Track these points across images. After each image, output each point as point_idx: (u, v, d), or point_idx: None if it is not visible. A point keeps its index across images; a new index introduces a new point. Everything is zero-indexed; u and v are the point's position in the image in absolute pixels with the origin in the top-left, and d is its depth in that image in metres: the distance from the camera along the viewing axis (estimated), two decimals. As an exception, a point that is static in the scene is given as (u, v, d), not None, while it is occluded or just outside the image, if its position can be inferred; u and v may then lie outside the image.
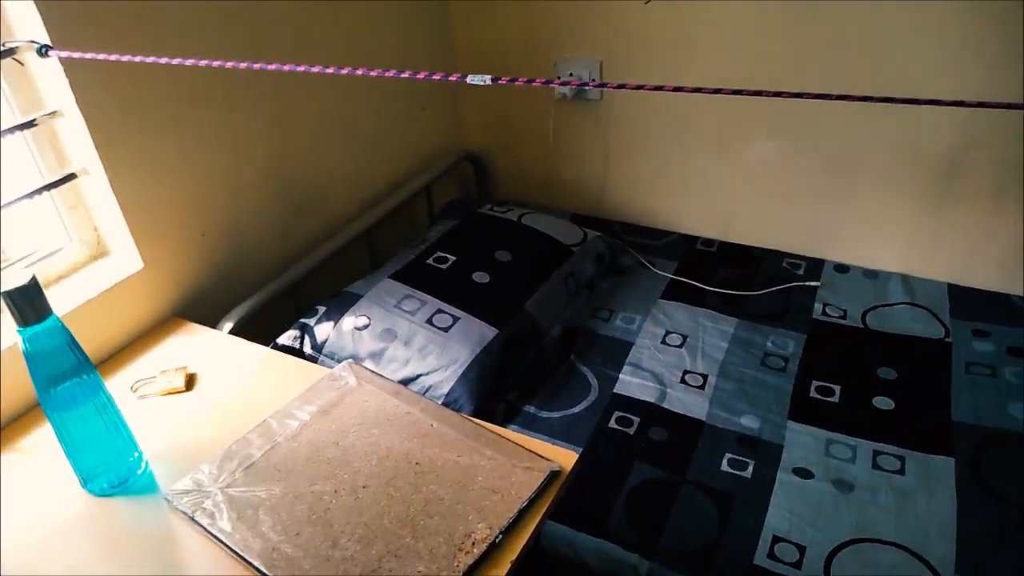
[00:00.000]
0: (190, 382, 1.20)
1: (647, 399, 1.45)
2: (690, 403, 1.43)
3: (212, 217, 1.41)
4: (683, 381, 1.49)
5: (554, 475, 0.97)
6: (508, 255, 1.65)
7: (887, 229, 1.73)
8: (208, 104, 1.35)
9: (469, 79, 0.89)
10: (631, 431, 1.38)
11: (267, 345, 1.43)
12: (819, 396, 1.43)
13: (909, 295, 1.67)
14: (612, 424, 1.39)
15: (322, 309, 1.49)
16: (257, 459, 1.01)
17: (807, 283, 1.74)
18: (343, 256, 1.68)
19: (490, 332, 1.46)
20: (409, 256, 1.64)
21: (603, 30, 1.78)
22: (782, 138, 1.73)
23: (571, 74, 1.87)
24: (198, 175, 1.37)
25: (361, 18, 1.66)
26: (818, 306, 1.67)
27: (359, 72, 0.93)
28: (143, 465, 1.03)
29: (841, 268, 1.79)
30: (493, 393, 1.42)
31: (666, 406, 1.43)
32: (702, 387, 1.47)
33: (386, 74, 0.92)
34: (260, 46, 1.42)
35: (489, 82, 0.89)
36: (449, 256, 1.63)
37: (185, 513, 0.94)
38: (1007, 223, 1.59)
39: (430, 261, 1.62)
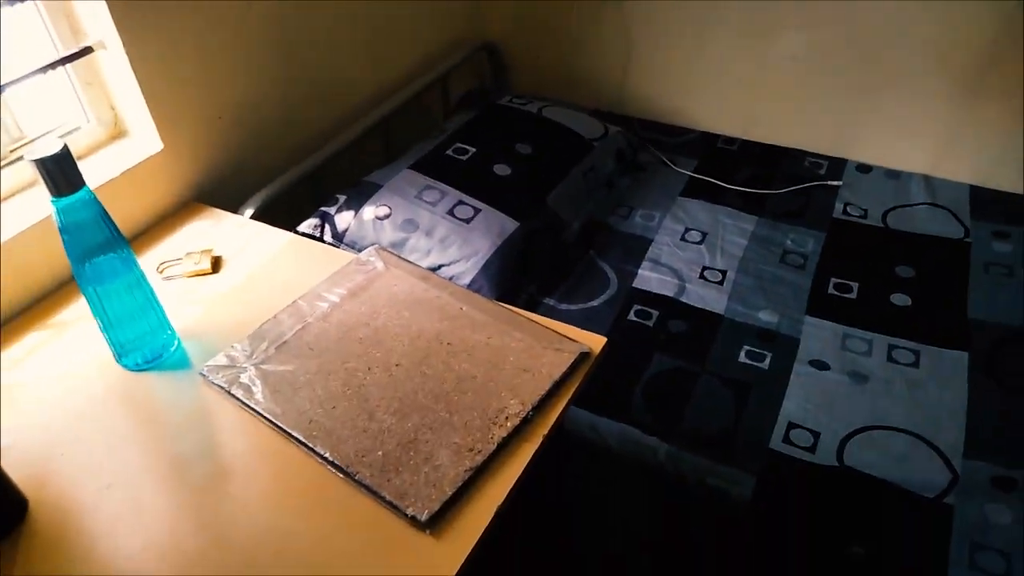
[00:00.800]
0: (216, 264, 1.20)
1: (666, 293, 1.46)
2: (709, 298, 1.44)
3: (229, 100, 1.38)
4: (702, 277, 1.49)
5: (583, 356, 0.99)
6: (529, 148, 1.62)
7: (912, 129, 1.70)
8: (224, -21, 1.29)
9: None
10: (650, 323, 1.39)
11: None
12: (837, 293, 1.44)
13: (931, 196, 1.66)
14: (631, 317, 1.41)
15: (342, 198, 1.48)
16: (289, 338, 1.02)
17: (828, 182, 1.72)
18: (360, 146, 1.65)
19: (511, 225, 1.45)
20: (428, 147, 1.61)
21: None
22: (812, 30, 1.67)
23: (595, -41, 1.78)
24: (216, 55, 1.32)
25: None
26: (839, 205, 1.66)
27: None
28: (176, 342, 1.04)
29: (864, 168, 1.77)
30: (514, 285, 1.43)
31: (685, 300, 1.44)
32: (721, 283, 1.48)
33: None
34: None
35: None
36: (469, 148, 1.60)
37: (221, 387, 0.96)
38: (1037, 122, 1.56)
39: (450, 152, 1.59)
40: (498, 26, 2.05)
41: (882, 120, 1.72)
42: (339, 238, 1.45)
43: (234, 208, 1.38)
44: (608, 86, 2.00)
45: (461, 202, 1.47)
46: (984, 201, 1.63)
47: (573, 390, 0.95)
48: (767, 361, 1.31)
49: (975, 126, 1.62)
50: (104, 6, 1.11)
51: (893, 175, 1.74)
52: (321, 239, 1.45)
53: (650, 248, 1.57)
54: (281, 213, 1.46)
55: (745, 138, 1.89)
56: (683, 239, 1.59)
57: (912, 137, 1.71)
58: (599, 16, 1.88)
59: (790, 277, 1.48)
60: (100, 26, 1.15)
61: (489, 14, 2.03)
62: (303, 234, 1.44)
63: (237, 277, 1.18)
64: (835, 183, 1.72)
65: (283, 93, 1.49)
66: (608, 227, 1.63)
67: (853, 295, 1.43)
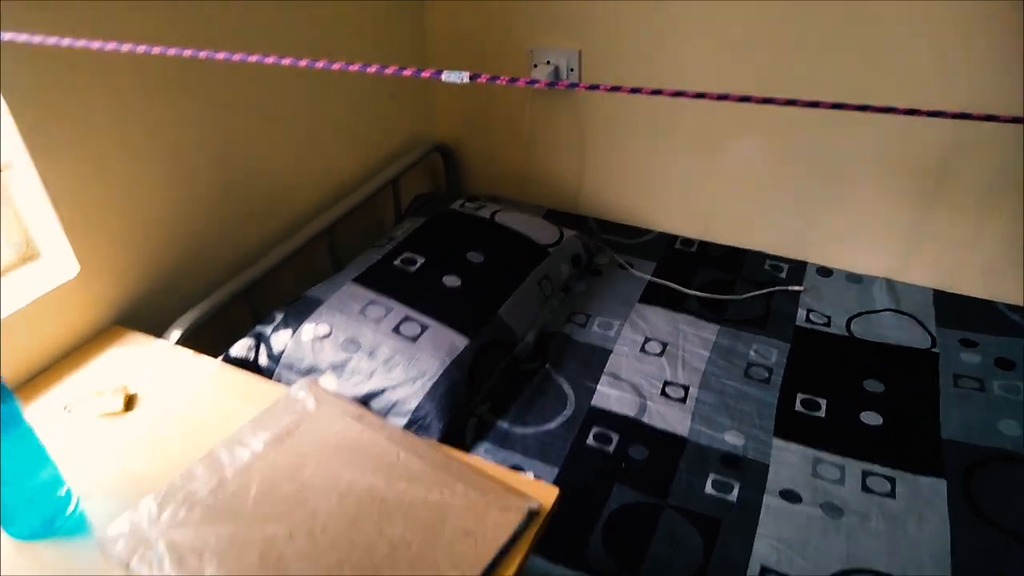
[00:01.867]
0: (130, 402, 1.09)
1: (626, 413, 1.37)
2: (671, 418, 1.36)
3: (158, 215, 1.29)
4: (664, 393, 1.41)
5: (532, 514, 0.89)
6: (480, 256, 1.55)
7: (872, 232, 1.67)
8: (155, 90, 1.22)
9: (444, 76, 0.79)
10: (610, 449, 1.30)
11: (218, 356, 1.32)
12: (805, 410, 1.37)
13: (894, 301, 1.62)
14: (590, 441, 1.32)
15: (279, 316, 1.38)
16: (203, 496, 0.91)
17: (790, 287, 1.68)
18: (303, 257, 1.57)
19: (461, 341, 1.37)
20: (374, 257, 1.53)
21: (583, 17, 1.68)
22: (767, 137, 1.66)
23: (547, 62, 1.77)
24: (142, 168, 1.24)
25: (328, 2, 1.53)
26: (801, 312, 1.61)
27: (319, 65, 0.82)
28: (73, 502, 0.92)
29: (824, 271, 1.73)
30: (464, 407, 1.33)
31: (646, 421, 1.36)
32: (683, 399, 1.40)
33: (350, 68, 0.81)
34: (217, 26, 1.30)
35: (467, 80, 0.80)
36: (417, 257, 1.53)
37: (120, 560, 0.84)
38: (994, 229, 1.54)
39: (397, 263, 1.51)
40: (451, 127, 2.01)
41: (840, 223, 1.70)
42: (275, 360, 1.34)
43: (161, 331, 1.28)
44: (564, 186, 1.96)
45: (408, 318, 1.38)
46: (948, 307, 1.59)
47: (522, 557, 0.85)
48: (735, 492, 1.22)
49: (933, 231, 1.61)
50: (11, 123, 1.03)
51: (855, 279, 1.70)
52: (255, 362, 1.34)
53: (609, 360, 1.50)
54: (215, 332, 1.36)
55: (704, 239, 1.86)
56: (643, 350, 1.52)
57: (871, 241, 1.68)
58: (553, 117, 1.86)
59: (755, 392, 1.41)
60: (8, 146, 1.06)
61: (441, 115, 2.00)
62: (236, 358, 1.33)
63: (153, 417, 1.07)
64: (796, 288, 1.67)
65: (218, 204, 1.41)
66: (565, 337, 1.56)
67: (821, 413, 1.36)
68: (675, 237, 1.88)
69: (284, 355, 1.34)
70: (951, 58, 1.43)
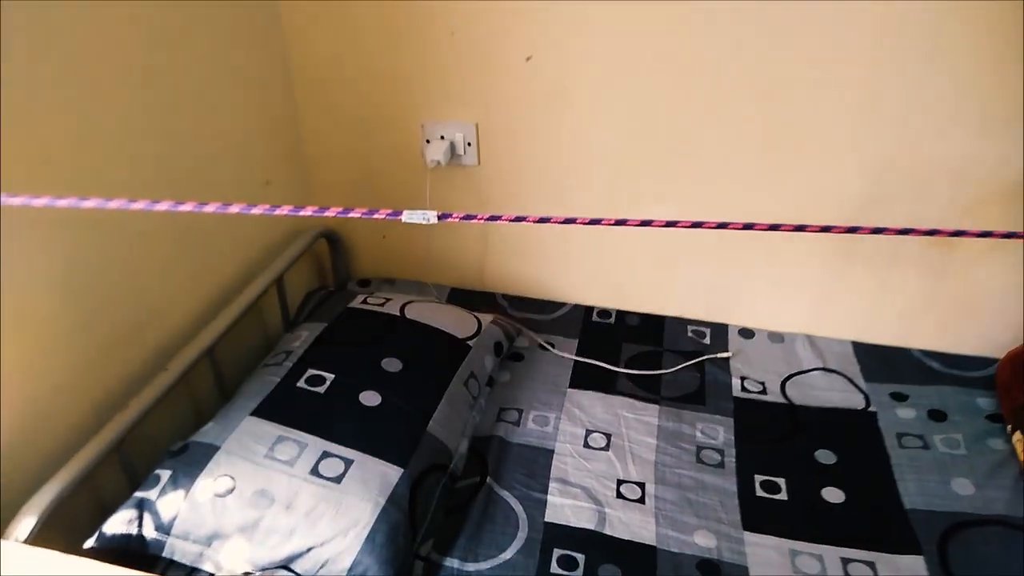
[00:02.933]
0: (-24, 644, 0.81)
1: (586, 526, 1.23)
2: (634, 524, 1.24)
3: (-10, 373, 1.01)
4: (620, 495, 1.29)
5: None
6: (398, 363, 1.36)
7: (788, 289, 1.66)
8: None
9: (405, 217, 0.63)
10: (578, 574, 1.16)
11: (89, 539, 1.05)
12: (766, 494, 1.30)
13: (819, 358, 1.61)
14: (555, 568, 1.16)
15: (165, 475, 1.12)
16: None
17: (718, 355, 1.62)
18: (183, 390, 1.31)
19: (394, 473, 1.17)
20: (271, 380, 1.30)
21: (478, 87, 1.56)
22: (676, 202, 1.61)
23: (441, 137, 1.62)
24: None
25: (178, 73, 1.29)
26: (736, 381, 1.56)
27: (187, 208, 0.62)
28: None
29: (746, 333, 1.70)
30: (407, 553, 1.14)
31: (609, 532, 1.22)
32: (642, 499, 1.29)
33: (229, 209, 0.63)
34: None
35: (434, 220, 0.64)
36: (324, 374, 1.31)
37: None
38: (906, 276, 1.57)
39: (302, 383, 1.29)
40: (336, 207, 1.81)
41: (756, 283, 1.68)
42: (165, 530, 1.08)
43: (4, 521, 0.99)
44: (467, 262, 1.82)
45: (327, 453, 1.17)
46: (871, 359, 1.60)
47: None
48: (721, 606, 1.11)
49: (847, 283, 1.61)
50: None
51: (777, 338, 1.68)
52: (141, 536, 1.07)
53: (553, 462, 1.36)
54: (82, 508, 1.08)
55: (621, 308, 1.78)
56: (587, 445, 1.40)
57: (787, 297, 1.67)
58: (452, 192, 1.71)
59: (713, 481, 1.32)
60: None
61: (323, 197, 1.79)
62: (113, 537, 1.06)
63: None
64: (724, 355, 1.62)
65: (68, 346, 1.13)
66: (500, 441, 1.40)
67: (783, 495, 1.30)
68: (591, 308, 1.78)
69: (176, 523, 1.09)
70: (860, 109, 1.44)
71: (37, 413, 1.08)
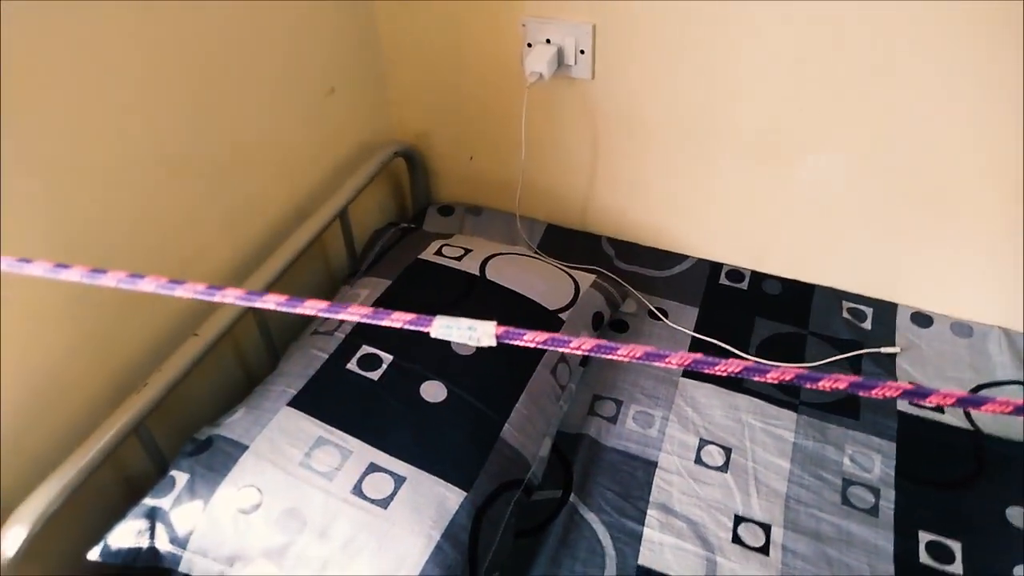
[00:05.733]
0: None
1: (689, 578, 0.98)
2: (753, 583, 0.97)
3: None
4: (736, 539, 1.02)
5: None
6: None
7: (981, 263, 1.25)
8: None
9: (435, 330, 0.35)
10: (675, 649, 0.92)
11: (93, 549, 0.89)
12: (934, 563, 0.99)
13: (1018, 366, 1.23)
14: (645, 636, 0.93)
15: (182, 479, 0.93)
16: None
17: (881, 349, 1.26)
18: (228, 346, 1.11)
19: (455, 498, 0.94)
20: (318, 356, 1.07)
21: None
22: (851, 152, 1.20)
23: (547, 41, 1.26)
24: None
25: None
26: (903, 389, 1.21)
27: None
28: None
29: (921, 319, 1.32)
30: (463, 599, 0.93)
31: (719, 590, 0.97)
32: (764, 549, 1.01)
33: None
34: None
35: (489, 341, 0.36)
36: (381, 354, 1.07)
37: None
38: None
39: (353, 365, 1.06)
40: (414, 123, 1.50)
41: (940, 255, 1.27)
42: (181, 544, 0.91)
43: (-6, 528, 0.83)
44: (569, 195, 1.49)
45: (375, 466, 0.95)
46: (1092, 373, 1.21)
47: None
48: None
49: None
50: None
51: (963, 330, 1.29)
52: (154, 550, 0.91)
53: (655, 480, 1.09)
54: (84, 511, 0.92)
55: (757, 270, 1.42)
56: (699, 461, 1.12)
57: (981, 275, 1.26)
58: (557, 109, 1.36)
59: (861, 533, 1.02)
60: None
61: (400, 108, 1.48)
62: (119, 551, 0.89)
63: None
64: (890, 350, 1.26)
65: (80, 302, 0.93)
66: (591, 443, 1.14)
67: (957, 567, 0.99)
68: (719, 266, 1.44)
69: (193, 538, 0.91)
70: None
71: (36, 393, 0.90)
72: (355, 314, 0.42)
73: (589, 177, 1.45)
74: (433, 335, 0.42)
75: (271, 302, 0.45)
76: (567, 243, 1.48)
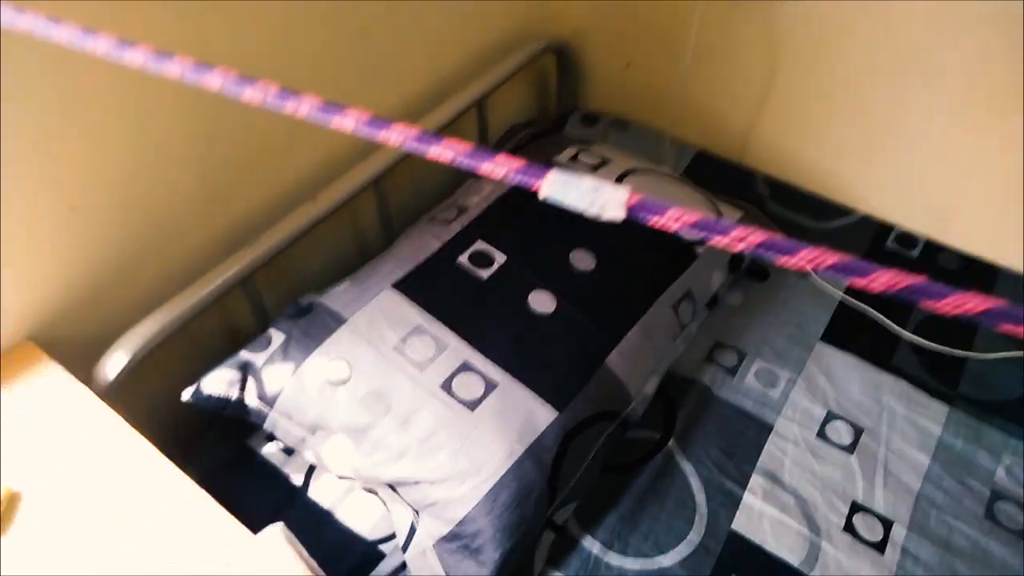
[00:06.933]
0: (9, 511, 0.69)
1: (788, 558, 0.88)
2: (858, 579, 0.86)
3: (91, 180, 0.82)
4: (849, 528, 0.90)
5: None
6: (591, 258, 1.01)
7: None
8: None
9: (544, 191, 0.26)
10: (754, 627, 0.83)
11: (187, 390, 0.90)
12: (1087, 608, 0.84)
13: None
14: (725, 607, 0.84)
15: (278, 338, 0.92)
16: None
17: (1073, 353, 1.07)
18: (341, 224, 1.08)
19: (545, 414, 0.88)
20: (431, 243, 1.02)
21: None
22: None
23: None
24: (67, 108, 0.76)
25: None
26: (1090, 404, 1.02)
27: None
28: None
29: None
30: (537, 525, 0.87)
31: (818, 578, 0.86)
32: (880, 546, 0.89)
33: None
34: None
35: (618, 213, 0.26)
36: (495, 252, 1.00)
37: None
38: None
39: (464, 259, 1.00)
40: (571, 18, 1.38)
41: None
42: (269, 402, 0.90)
43: (98, 351, 0.85)
44: (730, 121, 1.34)
45: (468, 366, 0.90)
46: None
47: None
48: None
49: None
50: None
51: None
52: (242, 402, 0.90)
53: (767, 445, 0.98)
54: (185, 351, 0.93)
55: (934, 239, 1.23)
56: (822, 435, 0.99)
57: None
58: (734, 24, 1.20)
59: (1002, 555, 0.88)
60: None
61: (560, 14, 1.35)
62: (210, 398, 0.89)
63: (36, 546, 0.67)
64: (1084, 355, 1.06)
65: (192, 152, 0.91)
66: (703, 391, 1.04)
67: (1117, 620, 0.83)
68: (888, 228, 1.25)
69: (280, 399, 0.90)
70: None
71: (147, 235, 0.90)
72: (452, 151, 0.34)
73: (757, 105, 1.29)
74: (543, 194, 0.33)
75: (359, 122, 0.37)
76: (716, 173, 1.33)
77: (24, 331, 0.83)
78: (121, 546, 0.67)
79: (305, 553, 0.66)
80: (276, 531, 0.67)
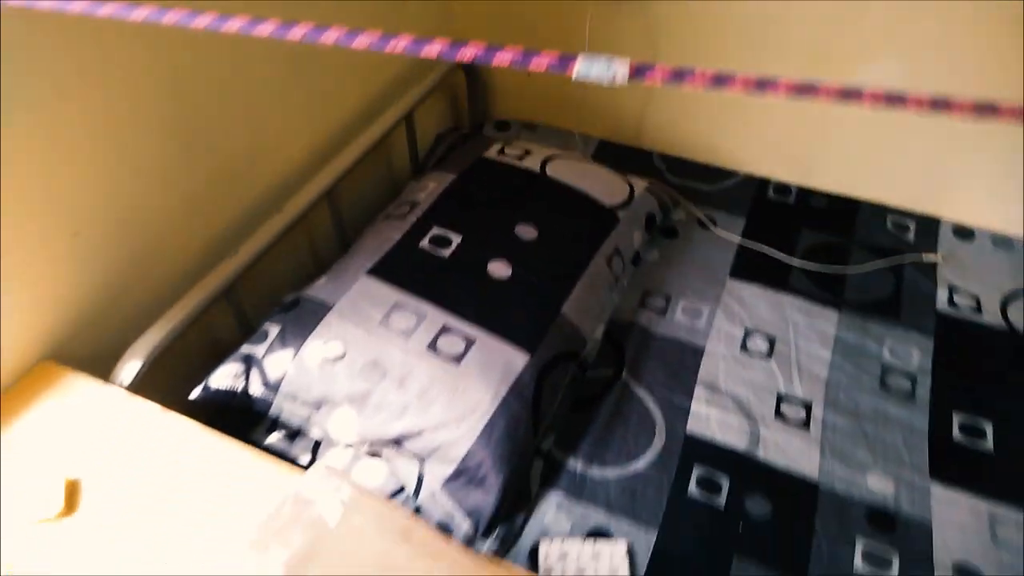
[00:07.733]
0: (72, 498, 0.77)
1: (735, 444, 1.06)
2: (794, 451, 1.05)
3: (89, 207, 0.91)
4: (779, 414, 1.09)
5: None
6: (533, 229, 1.18)
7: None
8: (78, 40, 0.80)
9: (578, 71, 0.41)
10: (720, 501, 0.99)
11: (195, 390, 0.98)
12: (965, 440, 1.06)
13: (1058, 274, 1.28)
14: (692, 490, 1.01)
15: (273, 330, 1.03)
16: None
17: (923, 256, 1.32)
18: (297, 235, 1.19)
19: (519, 359, 1.02)
20: (392, 236, 1.16)
21: None
22: (907, 61, 1.24)
23: (612, -49, 1.31)
24: (65, 146, 0.85)
25: None
26: (942, 293, 1.26)
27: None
28: None
29: (963, 232, 1.37)
30: (527, 450, 1.01)
31: (762, 456, 1.04)
32: (805, 423, 1.08)
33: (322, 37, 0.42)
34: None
35: (622, 79, 0.42)
36: (451, 234, 1.15)
37: None
38: None
39: (425, 244, 1.14)
40: (478, 35, 1.56)
41: (985, 170, 1.32)
42: (273, 388, 1.00)
43: (109, 364, 0.93)
44: (624, 112, 1.55)
45: (447, 328, 1.03)
46: None
47: None
48: (894, 568, 0.92)
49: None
50: None
51: (1003, 243, 1.34)
52: (247, 393, 1.00)
53: (702, 363, 1.16)
54: (185, 355, 1.01)
55: (804, 185, 1.47)
56: (744, 348, 1.19)
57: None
58: (617, 22, 1.42)
59: (897, 413, 1.09)
60: None
61: (462, 21, 1.54)
62: (218, 391, 0.99)
63: (105, 523, 0.74)
64: (931, 257, 1.32)
65: (174, 176, 1.01)
66: (641, 331, 1.22)
67: (988, 443, 1.05)
68: (766, 181, 1.49)
69: (284, 383, 1.00)
70: None
71: (143, 254, 0.99)
72: (471, 51, 0.47)
73: (646, 93, 1.51)
74: (575, 76, 0.47)
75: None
76: (619, 156, 1.54)
77: (41, 351, 0.90)
78: (180, 514, 0.76)
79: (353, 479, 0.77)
80: (323, 473, 0.78)
